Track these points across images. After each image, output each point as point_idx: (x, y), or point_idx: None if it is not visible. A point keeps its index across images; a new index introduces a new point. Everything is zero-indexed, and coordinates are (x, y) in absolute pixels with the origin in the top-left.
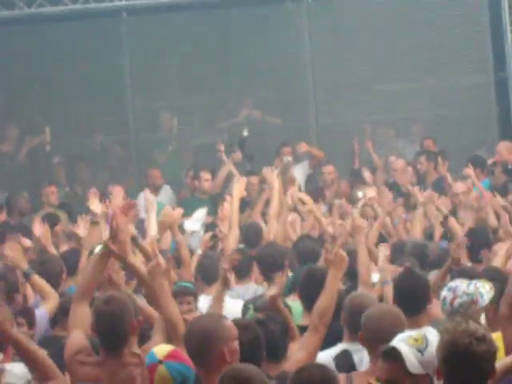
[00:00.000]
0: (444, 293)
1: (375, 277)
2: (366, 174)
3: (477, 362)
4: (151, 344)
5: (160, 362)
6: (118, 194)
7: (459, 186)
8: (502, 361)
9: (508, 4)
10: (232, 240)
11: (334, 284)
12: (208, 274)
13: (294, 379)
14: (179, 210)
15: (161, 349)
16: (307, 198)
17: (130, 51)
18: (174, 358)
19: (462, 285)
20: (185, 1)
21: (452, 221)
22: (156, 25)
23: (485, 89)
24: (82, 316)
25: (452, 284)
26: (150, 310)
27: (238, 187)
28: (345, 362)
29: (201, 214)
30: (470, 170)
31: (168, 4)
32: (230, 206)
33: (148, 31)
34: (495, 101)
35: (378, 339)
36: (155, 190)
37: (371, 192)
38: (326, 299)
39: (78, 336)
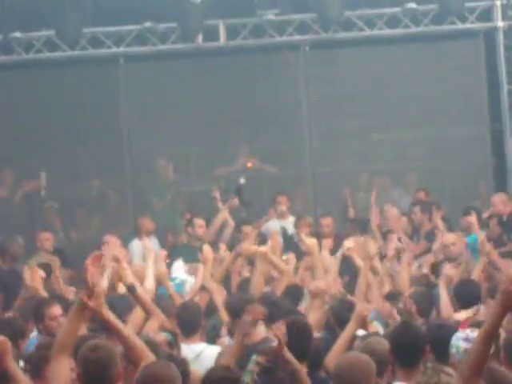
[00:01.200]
0: (461, 343)
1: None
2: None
3: None
4: None
5: None
6: (114, 245)
7: (449, 238)
8: None
9: (504, 56)
10: (220, 296)
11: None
12: (187, 327)
13: None
14: (163, 256)
15: None
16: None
17: (127, 98)
18: None
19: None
20: (182, 48)
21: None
22: (153, 72)
23: (480, 140)
24: (62, 370)
25: (464, 335)
26: None
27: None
28: None
29: (177, 265)
30: (472, 218)
31: (165, 51)
32: (225, 254)
33: (145, 78)
34: (490, 152)
35: None
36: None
37: (349, 242)
38: None
39: None
